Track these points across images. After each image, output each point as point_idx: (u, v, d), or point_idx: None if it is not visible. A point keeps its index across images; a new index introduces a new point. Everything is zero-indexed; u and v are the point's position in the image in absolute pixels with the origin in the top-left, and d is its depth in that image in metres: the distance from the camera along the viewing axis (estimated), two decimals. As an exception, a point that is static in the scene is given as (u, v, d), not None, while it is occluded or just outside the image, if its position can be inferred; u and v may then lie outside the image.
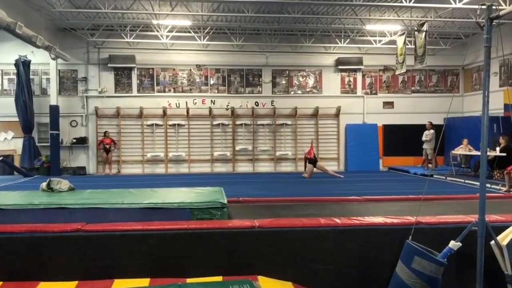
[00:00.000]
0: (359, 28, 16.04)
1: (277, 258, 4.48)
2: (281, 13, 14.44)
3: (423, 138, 16.11)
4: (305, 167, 15.01)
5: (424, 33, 13.60)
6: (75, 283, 4.13)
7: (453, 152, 15.04)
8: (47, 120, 16.43)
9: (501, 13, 4.13)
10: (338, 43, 17.32)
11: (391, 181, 14.21)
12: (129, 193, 6.04)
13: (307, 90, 18.40)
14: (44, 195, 5.62)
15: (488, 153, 11.66)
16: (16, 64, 15.72)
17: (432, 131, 15.93)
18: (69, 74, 17.29)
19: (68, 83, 17.29)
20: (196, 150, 17.70)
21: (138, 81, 17.58)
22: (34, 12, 13.82)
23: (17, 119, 15.82)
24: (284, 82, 18.31)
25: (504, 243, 4.15)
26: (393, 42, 15.94)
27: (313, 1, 12.76)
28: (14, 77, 16.31)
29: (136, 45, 17.03)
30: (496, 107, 14.24)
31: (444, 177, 14.30)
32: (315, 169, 14.78)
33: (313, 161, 14.74)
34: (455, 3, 12.19)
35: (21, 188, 10.14)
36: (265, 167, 18.03)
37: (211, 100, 17.79)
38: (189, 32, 16.51)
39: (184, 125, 17.68)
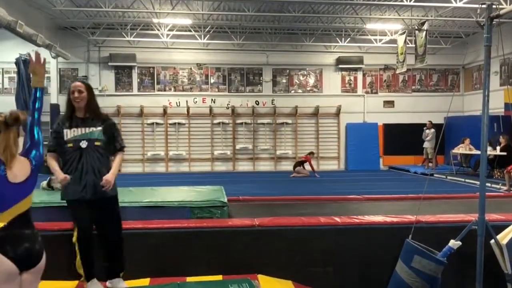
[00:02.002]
0: (360, 27, 16.04)
1: (277, 257, 4.48)
2: (281, 12, 14.45)
3: (424, 137, 16.12)
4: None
5: (424, 32, 13.60)
6: (76, 282, 4.14)
7: (453, 151, 15.04)
8: (47, 118, 16.31)
9: (501, 12, 4.11)
10: (338, 42, 17.31)
11: (391, 180, 14.23)
12: (129, 191, 6.03)
13: (308, 89, 18.40)
14: (44, 194, 5.61)
15: (489, 152, 11.66)
16: (17, 63, 15.69)
17: (432, 130, 15.93)
18: (69, 73, 17.30)
19: (69, 81, 17.24)
20: (196, 149, 17.71)
21: (138, 80, 17.59)
22: (34, 10, 13.82)
23: (17, 117, 15.78)
24: (284, 81, 18.31)
25: (504, 242, 4.15)
26: (394, 41, 15.94)
27: (313, 0, 12.76)
28: (15, 75, 16.31)
29: (137, 43, 17.04)
30: (497, 106, 14.21)
31: (444, 176, 14.32)
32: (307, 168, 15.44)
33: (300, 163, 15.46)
34: (456, 2, 12.19)
35: (22, 187, 10.12)
36: (265, 166, 18.04)
37: (212, 99, 17.80)
38: (190, 31, 16.51)
39: (184, 124, 17.69)
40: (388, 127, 18.31)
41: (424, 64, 14.25)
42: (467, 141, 14.54)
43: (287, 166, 17.70)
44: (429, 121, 16.24)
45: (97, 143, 3.90)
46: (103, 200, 3.92)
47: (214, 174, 16.52)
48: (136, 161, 17.54)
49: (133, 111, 17.42)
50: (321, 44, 17.72)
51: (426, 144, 16.11)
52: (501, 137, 13.15)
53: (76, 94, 3.97)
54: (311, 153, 16.11)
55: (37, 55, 3.21)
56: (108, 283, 4.03)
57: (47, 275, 4.18)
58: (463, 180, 13.21)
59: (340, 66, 18.17)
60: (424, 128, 16.20)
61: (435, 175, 14.56)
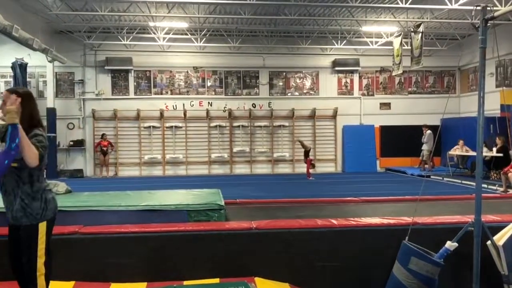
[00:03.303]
0: (356, 30, 16.08)
1: (275, 260, 4.49)
2: (277, 15, 14.47)
3: (423, 140, 16.10)
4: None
5: (420, 34, 13.63)
6: (72, 283, 4.15)
7: (449, 153, 15.09)
8: (44, 122, 16.27)
9: (496, 14, 4.14)
10: (334, 45, 17.35)
11: (388, 182, 14.25)
12: (126, 195, 6.02)
13: (304, 91, 18.43)
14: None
15: (485, 154, 11.70)
16: (13, 67, 15.61)
17: (428, 131, 15.95)
18: (66, 77, 17.27)
19: (65, 85, 17.28)
20: (193, 152, 17.70)
21: (135, 83, 17.57)
22: (30, 15, 13.80)
23: (13, 122, 15.72)
24: (281, 83, 18.33)
25: (500, 243, 4.17)
26: (390, 43, 15.97)
27: (309, 3, 12.79)
28: (11, 79, 16.25)
29: (133, 47, 17.03)
30: (493, 107, 14.28)
31: (441, 178, 14.35)
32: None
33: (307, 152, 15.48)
34: (451, 4, 12.24)
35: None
36: (262, 169, 18.04)
37: (208, 102, 17.80)
38: (186, 34, 16.51)
39: (181, 127, 17.68)
40: (384, 129, 18.34)
41: (420, 66, 14.27)
42: (461, 142, 14.61)
43: (284, 168, 17.76)
44: (424, 124, 16.25)
45: (13, 164, 3.10)
46: (19, 228, 3.29)
47: (211, 177, 16.50)
48: (133, 165, 17.51)
49: (129, 114, 17.40)
50: (317, 46, 17.76)
51: (423, 146, 16.11)
52: (497, 138, 13.19)
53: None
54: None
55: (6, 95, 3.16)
56: None
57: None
58: (459, 181, 13.24)
59: (337, 68, 18.21)
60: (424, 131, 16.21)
61: (431, 176, 14.59)
